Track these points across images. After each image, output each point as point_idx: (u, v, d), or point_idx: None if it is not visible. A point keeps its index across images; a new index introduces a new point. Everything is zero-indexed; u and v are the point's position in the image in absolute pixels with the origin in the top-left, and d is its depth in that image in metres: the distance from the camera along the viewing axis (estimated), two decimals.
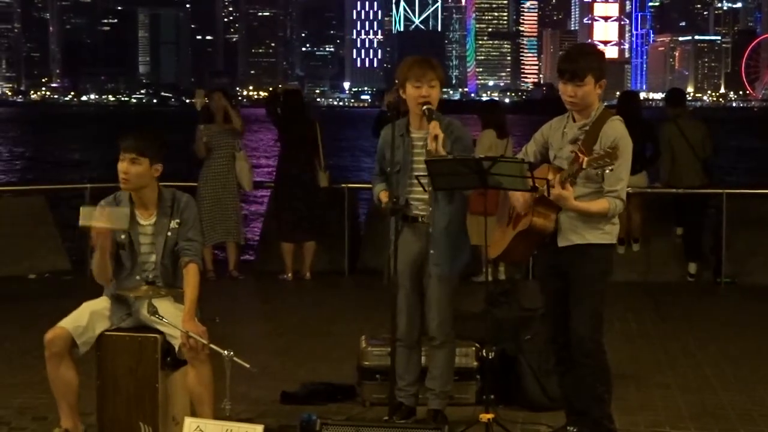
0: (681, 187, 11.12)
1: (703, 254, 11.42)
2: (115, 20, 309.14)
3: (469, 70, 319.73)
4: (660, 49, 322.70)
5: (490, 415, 5.43)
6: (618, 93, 13.00)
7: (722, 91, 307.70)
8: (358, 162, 42.37)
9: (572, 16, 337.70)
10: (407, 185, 5.80)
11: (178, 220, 5.56)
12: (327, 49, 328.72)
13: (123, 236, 5.51)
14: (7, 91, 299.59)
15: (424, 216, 5.80)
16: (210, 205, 10.91)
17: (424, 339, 6.01)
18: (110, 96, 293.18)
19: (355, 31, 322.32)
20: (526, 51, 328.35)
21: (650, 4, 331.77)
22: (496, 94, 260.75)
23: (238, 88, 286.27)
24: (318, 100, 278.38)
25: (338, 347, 7.89)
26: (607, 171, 5.07)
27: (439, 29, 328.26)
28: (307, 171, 10.90)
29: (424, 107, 5.69)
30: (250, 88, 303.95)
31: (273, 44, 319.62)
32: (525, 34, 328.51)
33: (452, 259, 5.83)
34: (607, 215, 5.29)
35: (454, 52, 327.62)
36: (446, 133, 5.74)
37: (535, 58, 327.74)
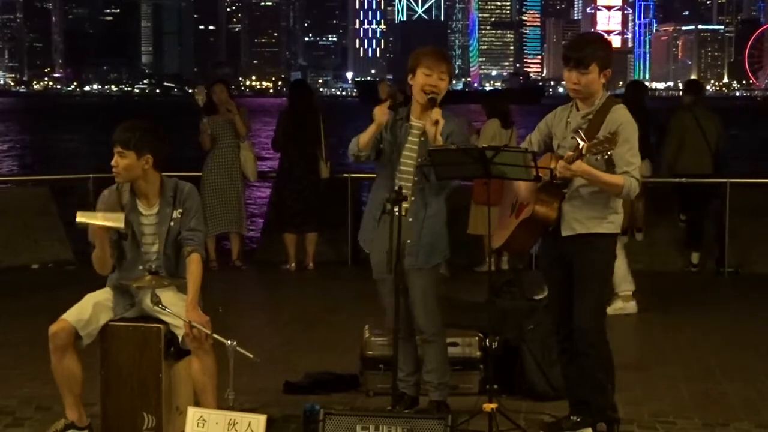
0: (688, 175, 11.11)
1: (706, 243, 11.40)
2: (118, 10, 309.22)
3: (473, 67, 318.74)
4: (663, 38, 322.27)
5: (493, 405, 5.43)
6: (621, 83, 13.00)
7: (725, 80, 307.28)
8: None
9: (575, 6, 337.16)
10: (396, 170, 5.74)
11: (180, 210, 5.55)
12: (330, 38, 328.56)
13: (125, 228, 5.51)
14: (9, 81, 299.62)
15: (404, 207, 5.70)
16: (214, 195, 10.91)
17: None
18: (113, 86, 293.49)
19: (357, 20, 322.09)
20: (528, 40, 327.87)
21: None
22: (499, 84, 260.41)
23: (240, 78, 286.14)
24: (321, 90, 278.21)
25: (341, 337, 7.89)
26: (606, 156, 5.07)
27: (442, 19, 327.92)
28: (309, 162, 10.89)
29: (429, 96, 5.66)
30: (253, 78, 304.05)
31: (276, 34, 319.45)
32: (528, 23, 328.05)
33: (428, 251, 5.74)
34: (622, 192, 5.24)
35: (457, 41, 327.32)
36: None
37: (538, 48, 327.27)
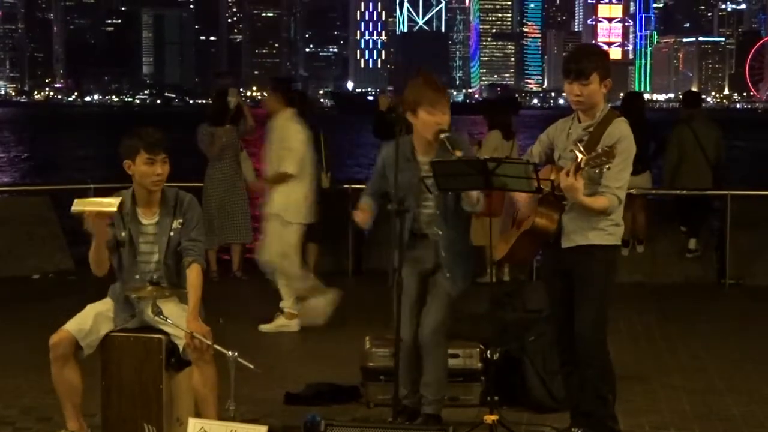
0: (688, 188, 11.10)
1: (702, 230, 11.41)
2: (119, 21, 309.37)
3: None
4: (664, 50, 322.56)
5: (494, 417, 5.42)
6: (622, 94, 13.00)
7: (726, 92, 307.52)
8: (360, 162, 42.28)
9: (576, 17, 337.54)
10: (417, 207, 5.77)
11: (181, 220, 5.55)
12: (331, 49, 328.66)
13: (123, 233, 5.51)
14: (11, 91, 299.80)
15: (434, 233, 5.77)
16: (217, 206, 10.93)
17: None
18: (114, 96, 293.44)
19: (358, 32, 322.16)
20: (529, 52, 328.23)
21: (654, 5, 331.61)
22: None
23: (241, 89, 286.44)
24: (322, 101, 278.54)
25: (342, 348, 7.88)
26: (605, 169, 5.08)
27: (443, 30, 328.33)
28: None
29: (443, 136, 5.65)
30: (254, 88, 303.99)
31: (277, 45, 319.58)
32: (528, 35, 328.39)
33: (461, 276, 5.85)
34: (606, 211, 5.27)
35: (458, 53, 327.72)
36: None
37: (539, 59, 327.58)
